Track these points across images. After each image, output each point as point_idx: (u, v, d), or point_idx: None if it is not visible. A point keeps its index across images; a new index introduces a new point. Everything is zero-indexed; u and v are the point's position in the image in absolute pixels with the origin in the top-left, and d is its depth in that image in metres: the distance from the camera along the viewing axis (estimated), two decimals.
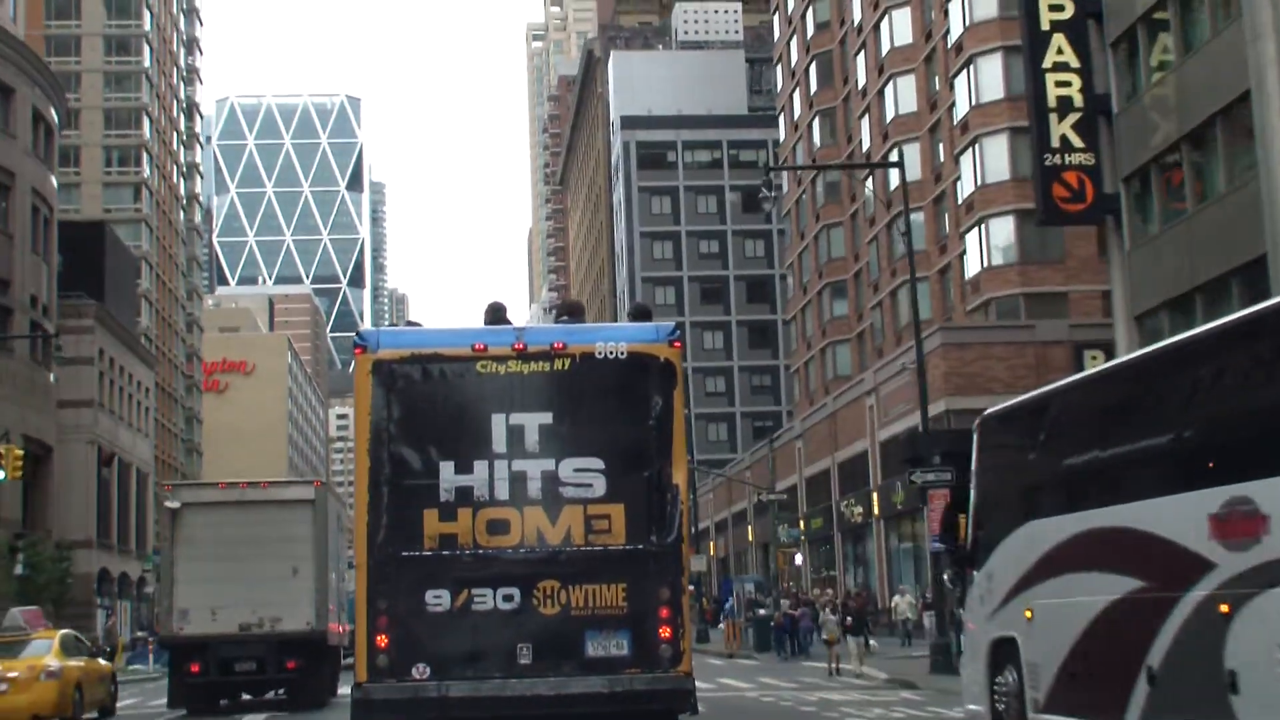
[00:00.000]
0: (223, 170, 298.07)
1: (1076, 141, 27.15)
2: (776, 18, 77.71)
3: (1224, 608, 9.62)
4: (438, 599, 11.11)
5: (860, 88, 61.32)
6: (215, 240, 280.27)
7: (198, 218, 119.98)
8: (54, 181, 58.37)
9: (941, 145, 52.82)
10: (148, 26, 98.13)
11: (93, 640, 31.72)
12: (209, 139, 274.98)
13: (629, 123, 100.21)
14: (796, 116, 71.65)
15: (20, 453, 34.72)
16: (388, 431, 11.34)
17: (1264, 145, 22.14)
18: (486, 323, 12.24)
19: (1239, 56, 23.07)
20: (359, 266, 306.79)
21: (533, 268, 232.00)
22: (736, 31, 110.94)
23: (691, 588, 12.56)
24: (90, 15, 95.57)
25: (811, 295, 69.63)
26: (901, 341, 53.30)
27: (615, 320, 64.99)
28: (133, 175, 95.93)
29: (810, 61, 68.55)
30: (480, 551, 11.21)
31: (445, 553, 11.19)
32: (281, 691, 22.49)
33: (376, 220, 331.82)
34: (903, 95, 55.48)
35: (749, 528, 70.07)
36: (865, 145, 61.21)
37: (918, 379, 28.15)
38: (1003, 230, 46.79)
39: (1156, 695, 10.49)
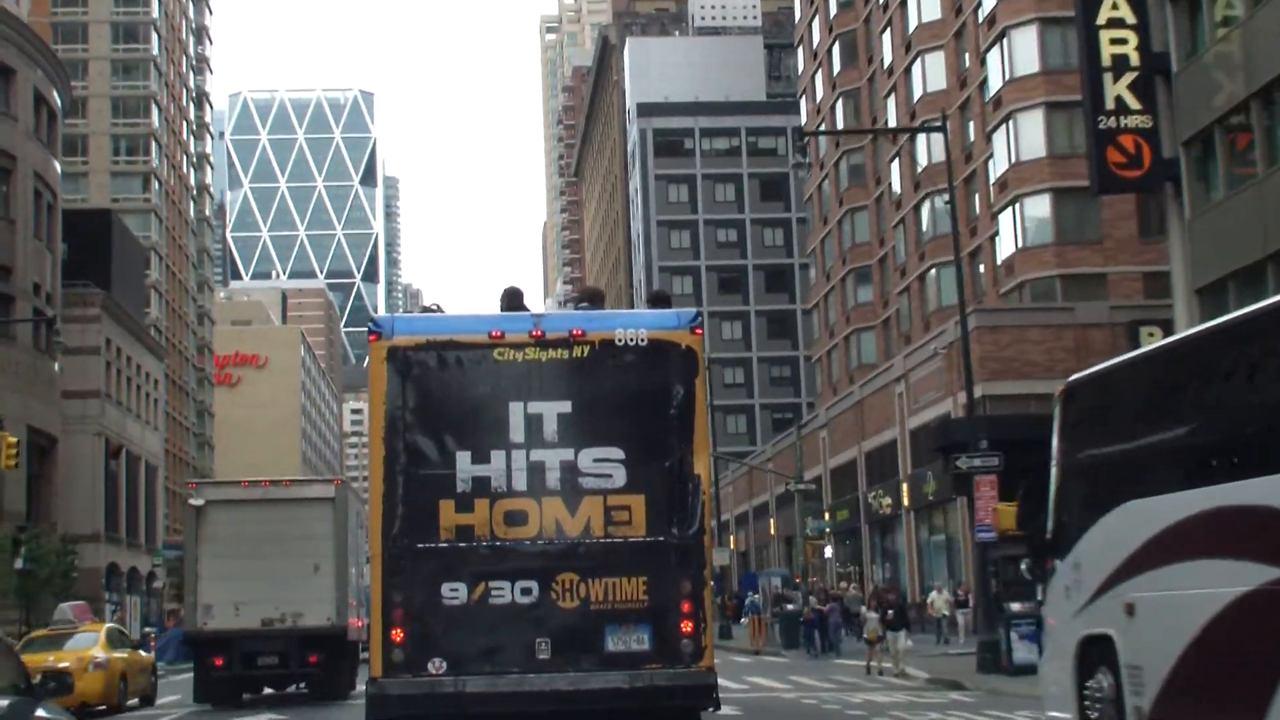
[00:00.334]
0: (236, 165, 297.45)
1: (1133, 103, 25.35)
2: None
3: None
4: (454, 592, 10.83)
5: (886, 66, 59.52)
6: (229, 235, 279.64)
7: (208, 209, 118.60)
8: (57, 167, 56.92)
9: (972, 124, 51.01)
10: (156, 14, 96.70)
11: None
12: (221, 134, 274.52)
13: (645, 110, 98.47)
14: (819, 99, 69.86)
15: (14, 440, 33.19)
16: (403, 420, 11.07)
17: None
18: (503, 309, 11.89)
19: None
20: (373, 261, 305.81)
21: (547, 262, 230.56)
22: (755, 17, 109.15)
23: (711, 583, 11.73)
24: (97, 2, 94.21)
25: (835, 282, 67.89)
26: (930, 327, 51.57)
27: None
28: (141, 165, 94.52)
29: (833, 41, 66.76)
30: (498, 543, 10.90)
31: (462, 544, 10.90)
32: (302, 685, 22.91)
33: (390, 215, 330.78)
34: (931, 72, 53.67)
35: (771, 521, 68.37)
36: (891, 125, 59.35)
37: (961, 360, 26.45)
38: (1038, 209, 44.97)
39: None
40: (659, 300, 12.29)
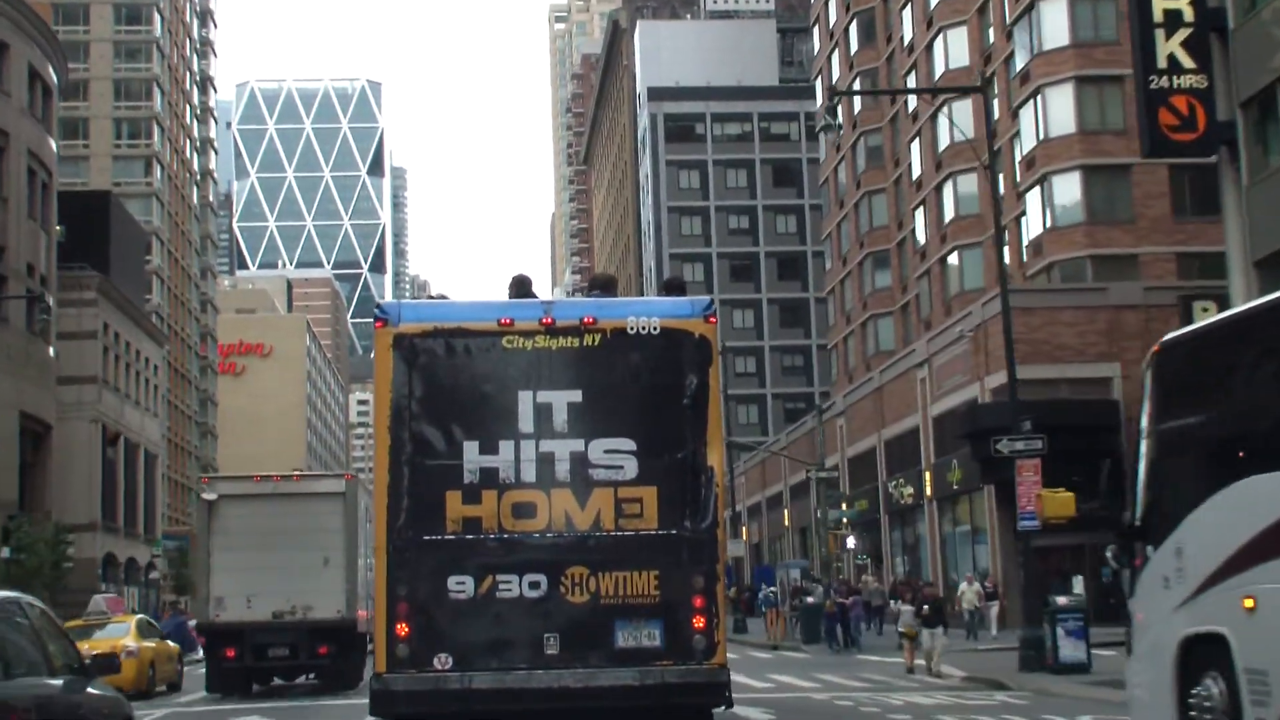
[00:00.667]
0: (243, 155, 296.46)
1: (1186, 61, 23.61)
2: None
3: None
4: (460, 585, 10.58)
5: (906, 44, 57.77)
6: (235, 225, 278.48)
7: (211, 194, 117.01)
8: (53, 144, 55.34)
9: (996, 100, 49.21)
10: None
11: None
12: (229, 124, 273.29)
13: (656, 94, 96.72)
14: (835, 80, 68.09)
15: None
16: (409, 409, 10.84)
17: None
18: (512, 297, 11.68)
19: None
20: (380, 252, 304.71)
21: (555, 253, 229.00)
22: (767, 0, 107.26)
23: (723, 578, 11.13)
24: None
25: (851, 267, 66.22)
26: (951, 312, 49.90)
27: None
28: (143, 148, 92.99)
29: (851, 20, 65.02)
30: (505, 536, 10.68)
31: (469, 537, 10.66)
32: (312, 676, 23.39)
33: (398, 205, 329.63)
34: (954, 49, 51.92)
35: (785, 512, 66.76)
36: (911, 106, 57.66)
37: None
38: (1068, 188, 43.27)
39: None
40: (674, 287, 11.98)
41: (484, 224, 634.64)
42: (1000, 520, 38.81)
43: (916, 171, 57.45)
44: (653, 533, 10.70)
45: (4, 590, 9.81)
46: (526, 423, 10.76)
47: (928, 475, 45.28)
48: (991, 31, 49.77)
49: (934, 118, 53.83)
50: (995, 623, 35.32)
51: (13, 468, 47.37)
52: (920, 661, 24.69)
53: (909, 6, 57.29)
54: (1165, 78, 23.72)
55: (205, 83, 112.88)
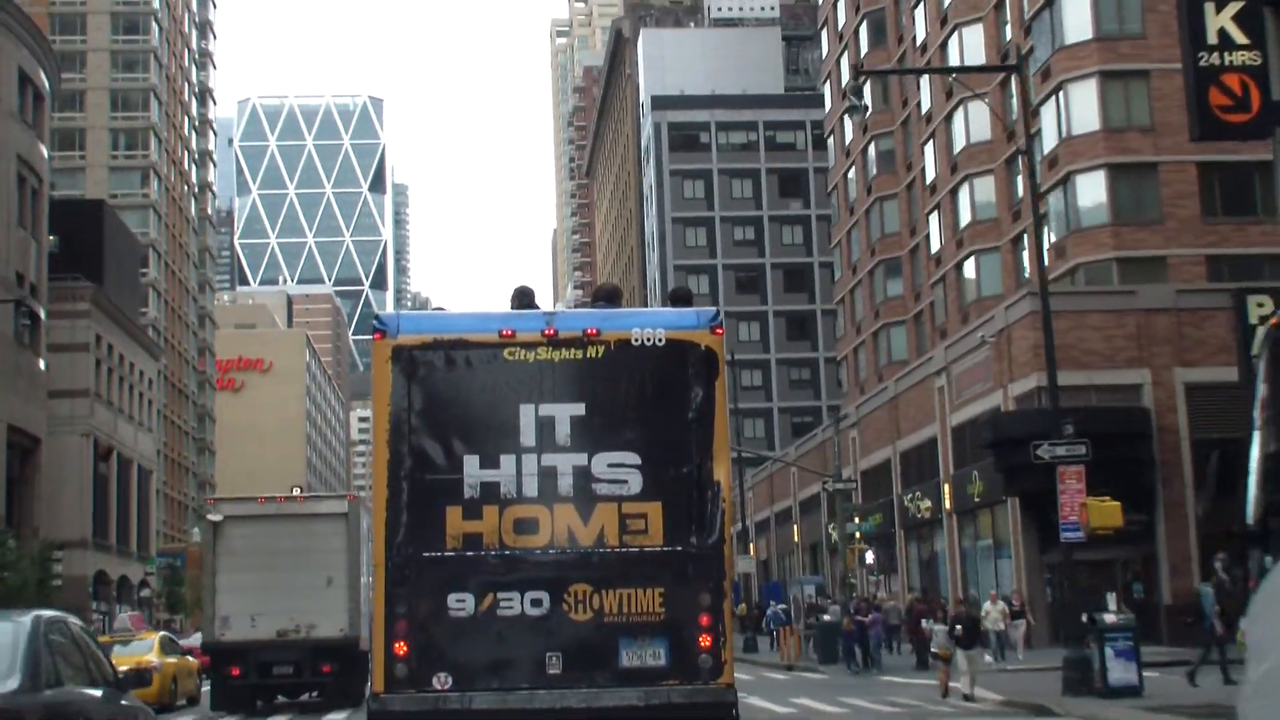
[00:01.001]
0: (244, 171, 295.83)
1: (1239, 37, 21.84)
2: None
3: None
4: (461, 603, 10.30)
5: (919, 44, 56.27)
6: (237, 242, 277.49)
7: (210, 207, 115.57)
8: (44, 151, 53.84)
9: (1014, 99, 47.65)
10: (156, 4, 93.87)
11: None
12: (230, 141, 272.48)
13: (660, 103, 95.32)
14: (844, 84, 66.59)
15: None
16: (408, 423, 10.57)
17: None
18: (514, 308, 11.42)
19: None
20: (381, 269, 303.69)
21: (557, 269, 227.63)
22: (772, 8, 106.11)
23: (730, 595, 10.69)
24: None
25: (862, 275, 64.62)
26: (968, 319, 48.29)
27: None
28: (140, 159, 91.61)
29: (860, 21, 63.57)
30: (507, 552, 10.40)
31: (469, 553, 10.39)
32: (316, 694, 23.84)
33: (399, 222, 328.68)
34: (969, 47, 50.40)
35: (794, 527, 65.07)
36: (925, 107, 56.15)
37: (1044, 338, 23.20)
38: (1092, 188, 41.64)
39: None
40: (680, 298, 11.60)
41: (486, 241, 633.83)
42: (1025, 534, 37.11)
43: (930, 175, 55.92)
44: (658, 549, 10.43)
45: (48, 610, 10.12)
46: (528, 436, 10.52)
47: (946, 488, 43.58)
48: (1009, 28, 48.26)
49: (949, 118, 52.26)
50: (1021, 643, 33.54)
51: None
52: (955, 684, 22.99)
53: (921, 5, 55.81)
54: (1215, 54, 21.94)
55: (204, 94, 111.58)
